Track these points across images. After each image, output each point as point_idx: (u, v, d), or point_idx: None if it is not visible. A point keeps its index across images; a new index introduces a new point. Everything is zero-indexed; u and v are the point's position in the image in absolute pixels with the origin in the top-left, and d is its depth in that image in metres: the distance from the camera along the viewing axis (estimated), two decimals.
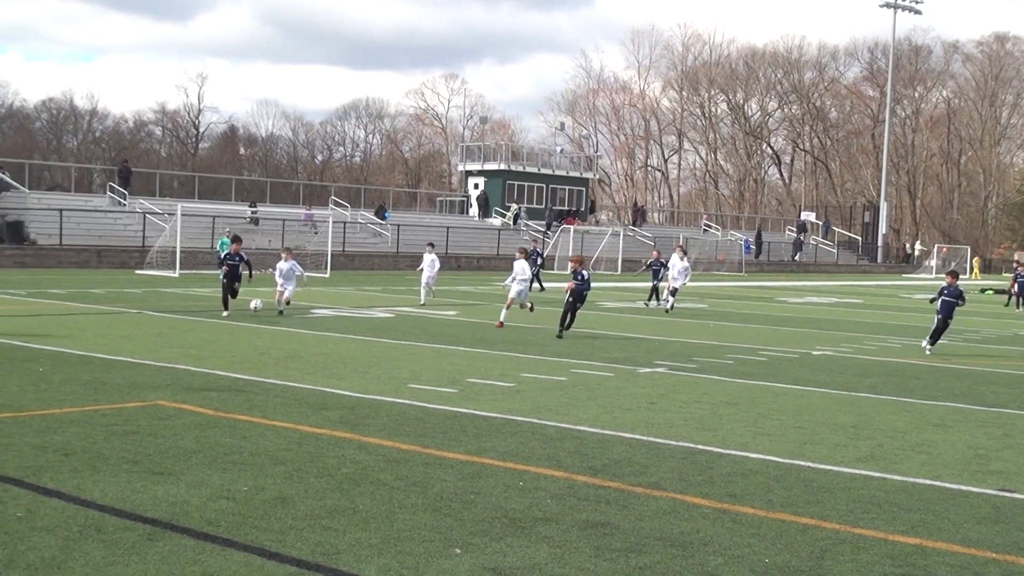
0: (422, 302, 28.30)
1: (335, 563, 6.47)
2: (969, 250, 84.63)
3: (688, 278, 31.71)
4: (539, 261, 35.95)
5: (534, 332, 21.98)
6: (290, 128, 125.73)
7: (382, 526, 7.30)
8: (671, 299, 30.24)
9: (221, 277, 23.22)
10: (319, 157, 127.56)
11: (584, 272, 21.97)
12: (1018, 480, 9.62)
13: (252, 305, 23.24)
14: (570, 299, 21.49)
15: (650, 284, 32.93)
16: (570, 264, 21.41)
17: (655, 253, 34.12)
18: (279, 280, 23.85)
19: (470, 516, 7.66)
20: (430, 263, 28.74)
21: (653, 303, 31.80)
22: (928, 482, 9.40)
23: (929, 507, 8.50)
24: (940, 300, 21.26)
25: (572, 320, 21.49)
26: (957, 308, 21.32)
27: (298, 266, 24.28)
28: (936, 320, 21.12)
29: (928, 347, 20.88)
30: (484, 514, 7.72)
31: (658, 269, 32.17)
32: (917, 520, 8.08)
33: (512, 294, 22.97)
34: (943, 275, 21.94)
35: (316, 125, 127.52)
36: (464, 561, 6.63)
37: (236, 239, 24.72)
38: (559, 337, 20.83)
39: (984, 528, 7.95)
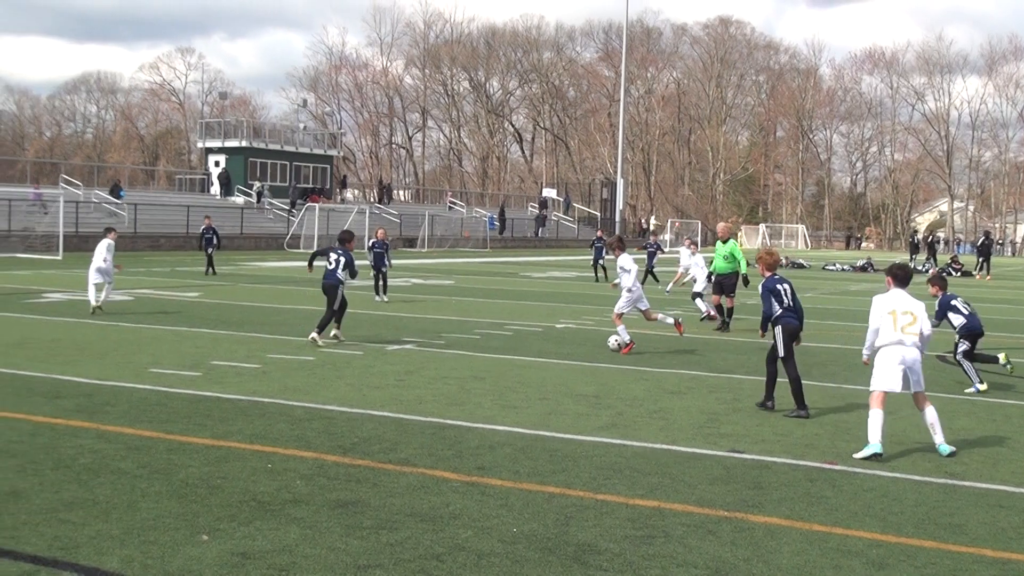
0: (93, 307, 20.14)
1: (74, 557, 6.21)
2: (700, 224, 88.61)
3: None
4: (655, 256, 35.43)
5: (279, 312, 21.67)
6: (14, 102, 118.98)
7: (124, 516, 7.05)
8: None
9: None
10: (47, 133, 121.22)
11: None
12: (746, 441, 10.20)
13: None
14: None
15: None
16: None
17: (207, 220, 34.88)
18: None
19: (217, 501, 7.50)
20: (106, 248, 20.65)
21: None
22: (665, 447, 9.85)
23: (666, 470, 8.91)
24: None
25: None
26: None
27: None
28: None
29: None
30: (232, 499, 7.58)
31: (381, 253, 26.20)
32: (655, 483, 8.45)
33: (624, 306, 16.95)
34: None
35: (43, 100, 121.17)
36: (212, 547, 6.49)
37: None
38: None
39: (716, 488, 8.39)
